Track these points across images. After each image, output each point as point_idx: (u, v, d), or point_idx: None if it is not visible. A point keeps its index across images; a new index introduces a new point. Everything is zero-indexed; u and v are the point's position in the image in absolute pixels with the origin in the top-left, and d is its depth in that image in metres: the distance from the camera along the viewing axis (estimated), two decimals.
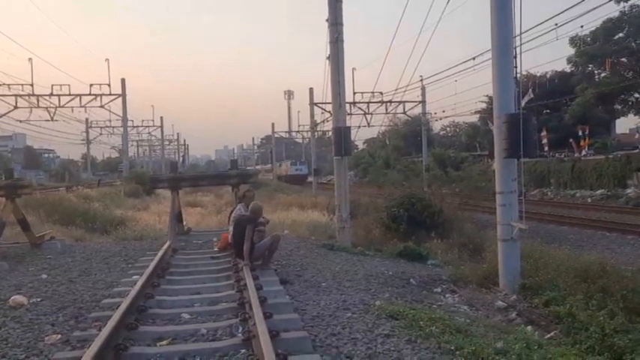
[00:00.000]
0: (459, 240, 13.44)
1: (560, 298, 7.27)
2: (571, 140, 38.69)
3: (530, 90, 32.08)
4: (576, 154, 37.08)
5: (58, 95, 34.86)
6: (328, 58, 14.39)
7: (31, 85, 33.56)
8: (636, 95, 37.78)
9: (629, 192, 27.89)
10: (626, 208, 24.60)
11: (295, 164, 68.47)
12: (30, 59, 33.12)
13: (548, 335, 6.29)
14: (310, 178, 53.58)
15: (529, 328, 6.54)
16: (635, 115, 40.53)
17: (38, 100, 35.05)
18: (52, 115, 37.11)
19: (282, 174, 70.07)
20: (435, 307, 7.24)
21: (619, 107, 40.20)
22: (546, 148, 40.08)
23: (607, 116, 42.57)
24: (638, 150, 32.74)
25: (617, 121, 47.37)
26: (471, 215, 19.17)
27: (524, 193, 20.75)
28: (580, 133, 37.21)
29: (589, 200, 29.14)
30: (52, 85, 34.33)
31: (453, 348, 4.87)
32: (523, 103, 26.45)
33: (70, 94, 34.99)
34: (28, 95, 34.21)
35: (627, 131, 52.69)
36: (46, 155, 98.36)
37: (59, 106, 36.03)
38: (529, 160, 31.25)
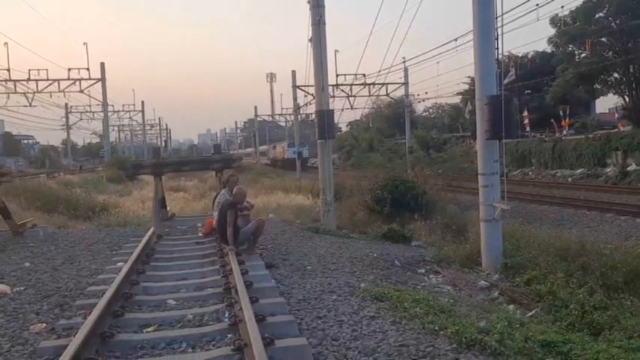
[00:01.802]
0: (442, 221, 13.57)
1: (542, 277, 7.44)
2: (552, 120, 39.07)
3: (513, 70, 32.17)
4: (557, 134, 37.47)
5: (36, 80, 34.23)
6: (310, 40, 14.29)
7: (8, 70, 32.89)
8: (615, 75, 38.05)
9: (608, 171, 28.35)
10: (605, 186, 25.00)
11: (293, 145, 55.44)
12: (6, 44, 32.44)
13: (530, 313, 6.43)
14: (313, 160, 49.17)
15: (511, 306, 6.67)
16: (614, 94, 40.92)
17: (15, 86, 34.38)
18: (30, 100, 36.43)
19: (278, 157, 64.12)
20: (419, 287, 7.34)
21: (599, 87, 40.45)
22: (528, 129, 40.41)
23: (587, 96, 42.94)
24: (617, 129, 33.17)
25: (597, 101, 47.90)
26: (454, 196, 19.35)
27: (506, 173, 20.99)
28: (561, 113, 37.54)
29: (569, 180, 29.56)
30: (30, 70, 33.68)
31: (436, 328, 4.94)
32: (505, 82, 26.64)
33: (48, 79, 34.36)
34: (5, 80, 33.57)
35: (607, 111, 53.30)
36: (26, 141, 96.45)
37: (37, 92, 35.40)
38: (510, 140, 31.55)
